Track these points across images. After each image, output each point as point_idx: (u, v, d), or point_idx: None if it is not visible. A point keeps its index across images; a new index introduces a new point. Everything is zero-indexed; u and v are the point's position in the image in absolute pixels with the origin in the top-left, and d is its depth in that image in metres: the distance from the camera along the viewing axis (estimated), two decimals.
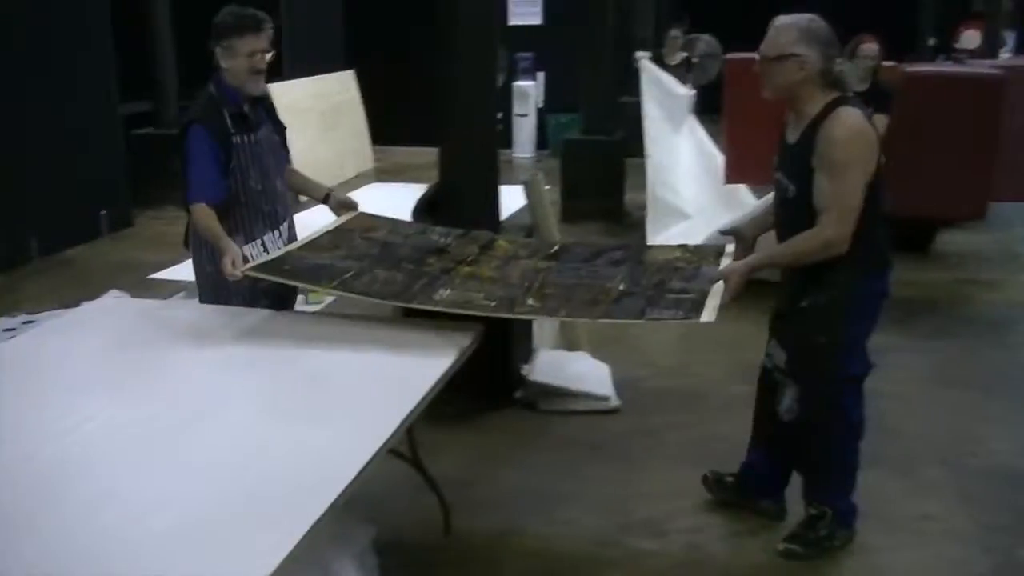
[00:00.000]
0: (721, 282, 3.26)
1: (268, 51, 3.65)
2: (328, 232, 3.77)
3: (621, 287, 3.38)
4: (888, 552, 3.59)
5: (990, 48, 11.83)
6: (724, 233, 3.74)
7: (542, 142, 13.33)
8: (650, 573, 3.51)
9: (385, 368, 3.04)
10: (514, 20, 12.88)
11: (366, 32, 13.07)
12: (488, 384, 4.49)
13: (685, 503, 3.94)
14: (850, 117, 3.19)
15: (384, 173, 11.27)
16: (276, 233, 3.81)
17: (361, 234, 3.80)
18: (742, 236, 3.59)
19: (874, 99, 5.82)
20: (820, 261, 3.26)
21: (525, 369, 4.88)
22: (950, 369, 5.39)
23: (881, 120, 5.78)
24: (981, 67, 7.76)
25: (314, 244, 3.65)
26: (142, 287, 6.49)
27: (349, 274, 3.43)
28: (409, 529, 3.67)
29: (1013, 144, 6.45)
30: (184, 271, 7.10)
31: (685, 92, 8.38)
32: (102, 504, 2.18)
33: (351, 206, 3.99)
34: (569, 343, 5.36)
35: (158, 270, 7.21)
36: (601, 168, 9.04)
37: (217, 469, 2.36)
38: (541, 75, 13.49)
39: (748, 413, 4.75)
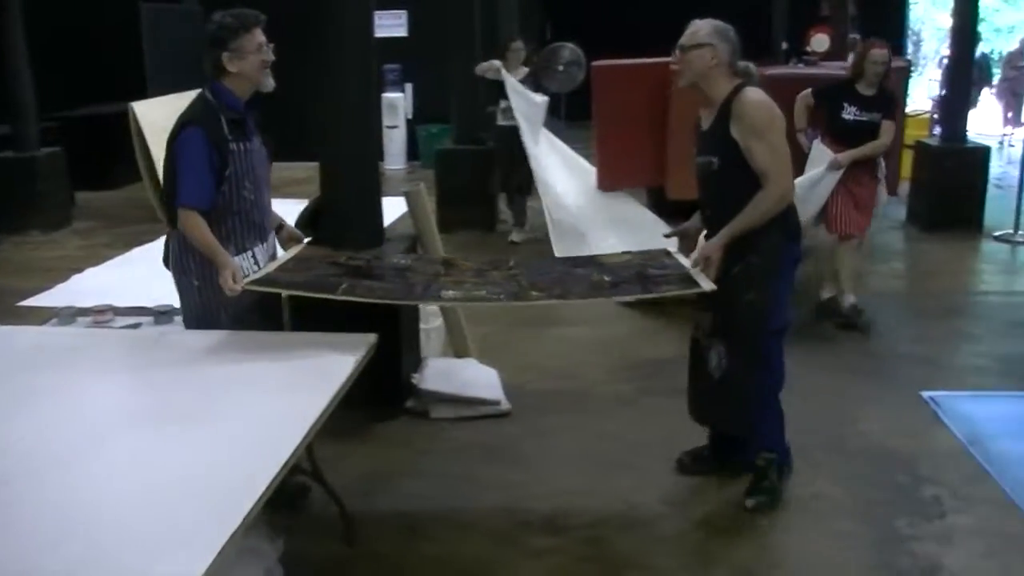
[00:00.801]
0: (699, 263, 3.66)
1: (270, 43, 3.57)
2: (291, 259, 3.81)
3: (607, 278, 3.60)
4: (781, 532, 3.77)
5: (839, 51, 12.37)
6: (668, 236, 4.31)
7: (413, 153, 13.35)
8: (554, 569, 3.57)
9: (284, 381, 3.03)
10: (380, 32, 12.76)
11: None
12: (379, 394, 4.49)
13: (581, 500, 4.03)
14: (754, 92, 3.70)
15: None
16: (264, 246, 3.74)
17: (321, 260, 3.85)
18: (687, 234, 4.06)
19: (882, 105, 5.95)
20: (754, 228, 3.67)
21: (415, 378, 4.90)
22: (822, 356, 5.64)
23: (889, 126, 5.93)
24: (832, 69, 8.14)
25: (284, 268, 3.67)
26: (11, 315, 6.28)
27: (344, 285, 3.50)
28: (314, 542, 3.65)
29: None
30: (54, 298, 6.92)
31: (541, 100, 8.47)
32: (13, 528, 2.15)
33: (299, 239, 4.05)
34: (456, 350, 5.40)
35: (26, 297, 6.98)
36: (474, 177, 9.13)
37: (121, 494, 2.32)
38: (409, 87, 13.51)
39: (634, 410, 4.92)
